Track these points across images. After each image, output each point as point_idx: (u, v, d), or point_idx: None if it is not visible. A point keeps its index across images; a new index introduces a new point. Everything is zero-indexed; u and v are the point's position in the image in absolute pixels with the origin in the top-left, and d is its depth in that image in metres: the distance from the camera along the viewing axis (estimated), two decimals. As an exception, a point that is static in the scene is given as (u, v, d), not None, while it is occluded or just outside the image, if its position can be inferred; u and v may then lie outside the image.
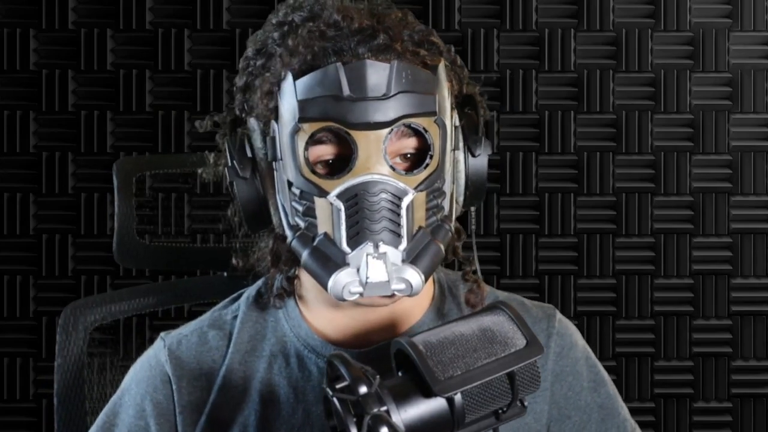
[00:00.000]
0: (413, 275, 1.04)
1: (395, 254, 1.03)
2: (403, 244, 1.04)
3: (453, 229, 1.11)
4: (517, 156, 2.54)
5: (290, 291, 1.20)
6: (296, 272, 1.19)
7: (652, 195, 2.56)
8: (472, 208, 1.17)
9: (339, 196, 1.03)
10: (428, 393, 0.94)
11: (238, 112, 1.15)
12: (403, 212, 1.04)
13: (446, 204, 1.10)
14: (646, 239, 2.56)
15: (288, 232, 1.09)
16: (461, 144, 1.12)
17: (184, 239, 1.61)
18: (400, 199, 1.04)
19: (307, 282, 1.18)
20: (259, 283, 1.24)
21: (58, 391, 1.49)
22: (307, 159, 1.05)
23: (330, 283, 1.04)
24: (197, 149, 2.48)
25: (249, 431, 1.16)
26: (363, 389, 0.91)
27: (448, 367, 0.95)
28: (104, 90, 2.51)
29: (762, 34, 2.57)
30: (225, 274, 1.56)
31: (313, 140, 1.05)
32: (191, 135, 2.49)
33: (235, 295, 1.26)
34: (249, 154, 1.11)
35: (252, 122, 1.12)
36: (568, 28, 2.55)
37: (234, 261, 1.23)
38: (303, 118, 1.04)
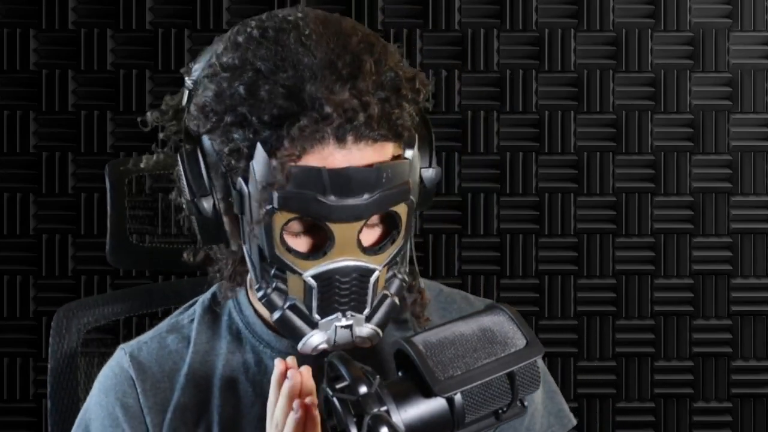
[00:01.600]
0: (372, 332, 1.11)
1: (359, 319, 1.10)
2: (367, 310, 1.11)
3: (406, 276, 1.16)
4: (517, 156, 2.54)
5: (240, 282, 1.22)
6: (247, 270, 1.21)
7: (652, 195, 2.56)
8: (415, 217, 1.19)
9: (314, 277, 1.08)
10: (428, 393, 0.94)
11: (193, 127, 1.12)
12: (370, 287, 1.10)
13: (405, 257, 1.15)
14: (646, 239, 2.56)
15: (256, 285, 1.13)
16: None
17: (177, 240, 1.60)
18: (368, 277, 1.09)
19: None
20: (214, 288, 1.27)
21: (51, 393, 1.48)
22: (282, 238, 1.08)
23: (300, 345, 1.11)
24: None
25: (213, 428, 1.19)
26: (363, 389, 0.92)
27: (448, 367, 0.95)
28: (104, 90, 2.51)
29: (762, 34, 2.57)
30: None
31: (289, 225, 1.08)
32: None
33: (190, 302, 1.29)
34: (207, 188, 1.11)
35: (209, 147, 1.11)
36: (568, 28, 2.55)
37: (185, 256, 1.24)
38: (282, 208, 1.06)
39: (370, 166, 1.06)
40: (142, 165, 1.32)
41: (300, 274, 1.08)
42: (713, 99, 2.56)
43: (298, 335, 1.10)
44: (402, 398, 0.94)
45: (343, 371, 0.93)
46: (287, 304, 1.11)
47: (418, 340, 0.97)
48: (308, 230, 1.09)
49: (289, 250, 1.08)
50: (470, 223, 2.52)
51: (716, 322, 2.56)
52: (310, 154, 1.05)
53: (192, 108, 1.13)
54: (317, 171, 1.04)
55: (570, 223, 2.55)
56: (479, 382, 0.95)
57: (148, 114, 1.23)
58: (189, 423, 1.20)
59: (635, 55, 2.56)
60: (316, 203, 1.05)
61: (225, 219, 1.13)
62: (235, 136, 1.07)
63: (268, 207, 1.06)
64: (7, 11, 2.49)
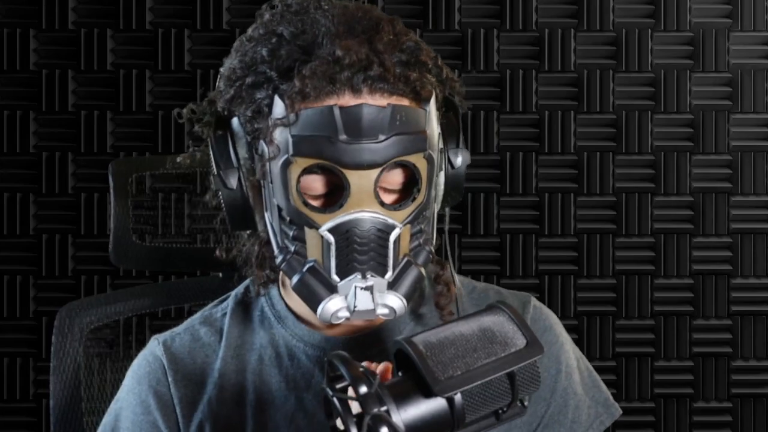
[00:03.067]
0: (396, 301, 1.09)
1: (381, 283, 1.08)
2: (389, 274, 1.09)
3: (433, 249, 1.15)
4: (517, 156, 2.54)
5: (274, 278, 1.23)
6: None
7: (652, 195, 2.56)
8: (447, 209, 1.20)
9: (330, 231, 1.07)
10: (428, 393, 0.94)
11: (221, 109, 1.15)
12: (390, 245, 1.08)
13: (429, 226, 1.14)
14: (646, 239, 2.56)
15: (276, 252, 1.13)
16: (441, 146, 1.15)
17: (181, 240, 1.61)
18: (388, 233, 1.08)
19: (286, 280, 1.21)
20: (246, 282, 1.27)
21: (54, 393, 1.49)
22: (299, 191, 1.08)
23: (319, 310, 1.09)
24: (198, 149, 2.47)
25: (246, 422, 1.19)
26: (363, 389, 0.92)
27: (448, 367, 0.95)
28: (104, 90, 2.51)
29: (762, 34, 2.57)
30: (220, 275, 1.56)
31: (304, 172, 1.08)
32: (192, 135, 2.49)
33: (224, 296, 1.30)
34: (233, 162, 1.13)
35: (236, 126, 1.13)
36: (568, 28, 2.55)
37: (218, 253, 1.26)
38: (297, 154, 1.06)
39: (384, 107, 1.06)
40: (178, 160, 1.32)
41: (317, 229, 1.07)
42: (713, 99, 2.56)
43: (317, 300, 1.09)
44: (402, 398, 0.94)
45: (343, 371, 0.94)
46: (306, 267, 1.09)
47: (418, 340, 0.97)
48: (326, 186, 1.09)
49: (306, 204, 1.08)
50: (470, 223, 2.52)
51: (716, 322, 2.56)
52: (325, 99, 1.06)
53: (220, 83, 1.15)
54: (329, 110, 1.05)
55: (570, 223, 2.55)
56: (479, 382, 0.95)
57: (184, 111, 1.22)
58: (221, 417, 1.20)
59: (635, 55, 2.56)
60: (328, 144, 1.05)
61: (250, 195, 1.13)
62: (257, 95, 1.09)
63: (284, 157, 1.06)
64: (7, 11, 2.49)
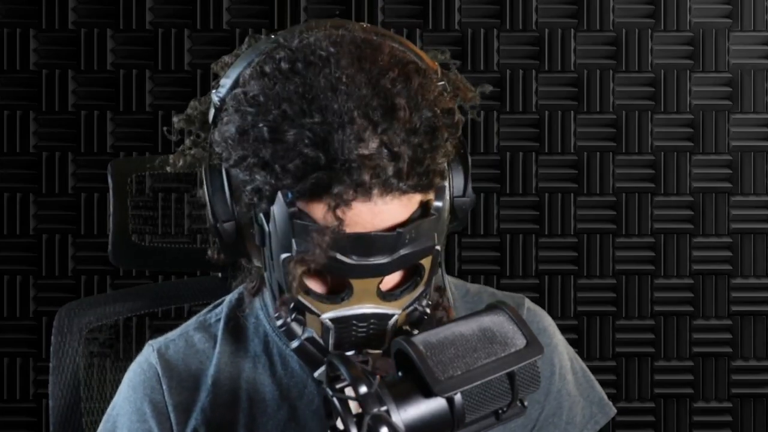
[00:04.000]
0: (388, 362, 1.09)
1: (376, 353, 1.09)
2: (385, 346, 1.09)
3: (427, 309, 1.12)
4: (517, 156, 2.54)
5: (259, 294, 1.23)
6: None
7: (652, 195, 2.56)
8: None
9: (331, 320, 1.07)
10: (428, 393, 0.94)
11: (215, 149, 1.08)
12: (389, 329, 1.08)
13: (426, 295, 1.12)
14: (646, 239, 2.56)
15: (275, 314, 1.10)
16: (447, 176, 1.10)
17: (180, 240, 1.61)
18: (387, 321, 1.08)
19: None
20: (240, 288, 1.26)
21: (54, 393, 1.49)
22: (301, 283, 1.05)
23: (317, 374, 1.11)
24: (197, 149, 2.47)
25: (239, 429, 1.19)
26: (363, 389, 0.92)
27: (448, 367, 0.94)
28: (104, 90, 2.51)
29: (762, 34, 2.57)
30: (220, 275, 1.55)
31: (308, 271, 1.04)
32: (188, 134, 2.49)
33: (217, 301, 1.29)
34: (229, 206, 1.08)
35: (234, 173, 1.06)
36: (568, 28, 2.55)
37: (210, 254, 1.21)
38: (300, 258, 1.02)
39: (392, 230, 1.02)
40: (169, 165, 1.26)
41: (318, 315, 1.07)
42: (713, 99, 2.56)
43: (316, 364, 1.10)
44: (402, 398, 0.94)
45: (343, 371, 0.93)
46: (305, 335, 1.09)
47: (418, 340, 0.97)
48: (328, 283, 1.08)
49: (308, 292, 1.07)
50: (470, 223, 2.52)
51: (716, 322, 2.56)
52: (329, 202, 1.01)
53: (217, 135, 1.07)
54: (336, 230, 1.00)
55: (570, 223, 2.55)
56: (479, 382, 0.95)
57: (175, 120, 1.21)
58: (214, 423, 1.20)
59: (635, 55, 2.56)
60: (335, 262, 1.02)
61: (248, 243, 1.11)
62: (257, 177, 1.03)
63: (286, 255, 1.03)
64: (7, 11, 2.49)
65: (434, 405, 0.95)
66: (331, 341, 1.08)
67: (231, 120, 1.05)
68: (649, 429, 2.53)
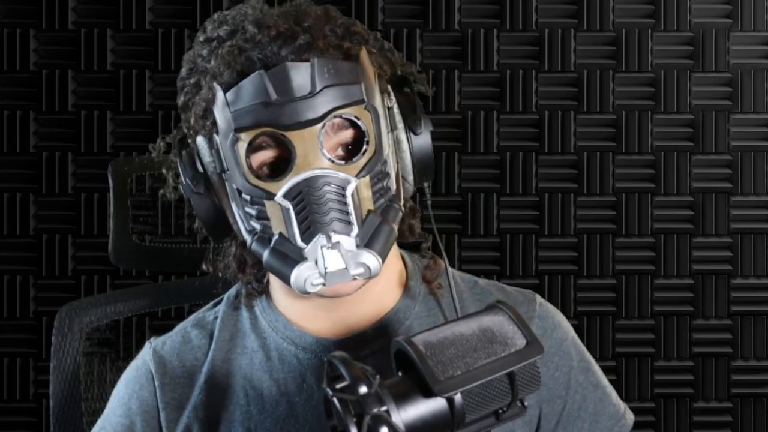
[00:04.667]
0: (370, 258, 1.08)
1: (349, 241, 1.07)
2: (355, 230, 1.08)
3: (402, 207, 1.14)
4: (517, 156, 2.54)
5: (261, 290, 1.24)
6: (264, 272, 1.23)
7: (652, 195, 2.56)
8: (426, 184, 1.20)
9: (285, 196, 1.07)
10: (428, 393, 0.94)
11: (185, 130, 1.17)
12: (349, 200, 1.07)
13: (392, 184, 1.13)
14: (646, 239, 2.56)
15: (246, 237, 1.13)
16: (400, 125, 1.15)
17: (180, 240, 1.61)
18: (343, 188, 1.07)
19: (274, 280, 1.22)
20: (237, 285, 1.27)
21: (54, 392, 1.49)
22: (250, 165, 1.09)
23: (292, 279, 1.07)
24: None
25: (234, 427, 1.19)
26: (363, 389, 0.91)
27: (448, 367, 0.95)
28: (104, 90, 2.51)
29: (762, 34, 2.57)
30: (220, 275, 1.55)
31: (252, 147, 1.09)
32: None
33: (218, 299, 1.30)
34: (200, 170, 1.14)
35: (199, 139, 1.14)
36: (568, 28, 2.55)
37: (204, 266, 1.26)
38: (238, 128, 1.08)
39: (308, 61, 1.08)
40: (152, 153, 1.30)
41: (273, 198, 1.07)
42: (713, 99, 2.56)
43: (287, 270, 1.08)
44: (402, 398, 0.94)
45: (343, 371, 0.93)
46: (272, 241, 1.09)
47: (418, 340, 0.97)
48: (275, 157, 1.09)
49: (259, 176, 1.09)
50: (470, 223, 2.52)
51: (716, 322, 2.56)
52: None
53: (177, 101, 1.18)
54: (257, 76, 1.07)
55: (570, 223, 2.55)
56: (479, 382, 0.95)
57: (159, 143, 1.25)
58: (207, 422, 1.20)
59: (635, 55, 2.56)
60: (264, 110, 1.06)
61: (218, 197, 1.14)
62: (201, 91, 1.11)
63: (230, 136, 1.08)
64: (7, 11, 2.49)
65: (434, 405, 0.95)
66: (295, 229, 1.06)
67: (183, 66, 1.17)
68: (649, 429, 2.53)
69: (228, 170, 1.11)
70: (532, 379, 0.99)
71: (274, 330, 1.22)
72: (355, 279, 1.08)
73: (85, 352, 1.51)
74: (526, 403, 1.00)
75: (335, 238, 1.06)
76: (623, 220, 2.56)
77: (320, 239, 1.06)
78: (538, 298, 1.28)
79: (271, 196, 1.07)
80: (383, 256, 1.09)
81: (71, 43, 2.50)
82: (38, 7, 2.49)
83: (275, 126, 1.06)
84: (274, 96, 1.06)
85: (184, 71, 1.17)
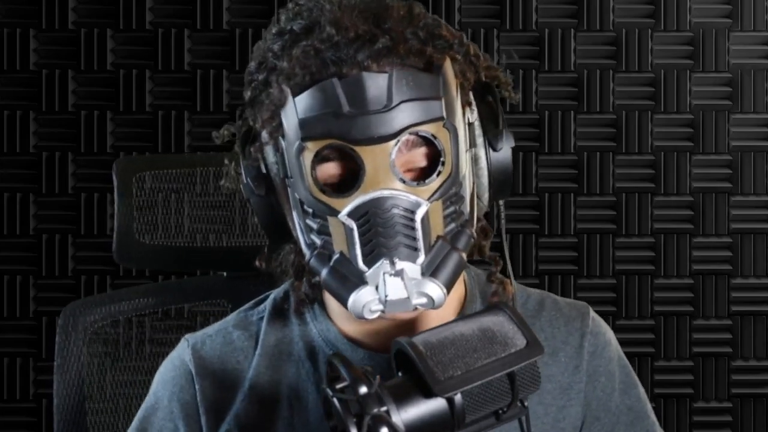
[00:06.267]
0: (434, 289, 1.01)
1: (413, 269, 1.00)
2: (421, 258, 1.00)
3: (475, 233, 1.07)
4: (517, 156, 2.53)
5: (313, 298, 1.17)
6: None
7: (652, 195, 2.56)
8: (500, 202, 1.13)
9: (350, 215, 1.00)
10: (428, 393, 0.94)
11: (251, 123, 1.09)
12: (418, 225, 1.00)
13: (466, 208, 1.06)
14: (646, 239, 2.56)
15: (305, 250, 1.06)
16: (480, 140, 1.08)
17: (184, 239, 1.61)
18: (413, 212, 1.00)
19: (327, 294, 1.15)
20: (286, 286, 1.21)
21: (58, 391, 1.49)
22: (315, 178, 1.02)
23: (349, 303, 1.01)
24: (197, 149, 2.48)
25: None
26: (363, 389, 0.91)
27: (448, 367, 0.94)
28: (104, 90, 2.51)
29: (762, 34, 2.57)
30: (224, 274, 1.55)
31: (318, 158, 1.02)
32: (191, 135, 2.49)
33: (261, 297, 1.23)
34: (263, 170, 1.08)
35: (264, 135, 1.06)
36: (568, 28, 2.55)
37: (258, 263, 1.19)
38: (305, 137, 1.01)
39: (386, 71, 1.00)
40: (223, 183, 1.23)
41: (337, 215, 1.00)
42: (713, 99, 2.56)
43: (345, 293, 1.00)
44: (402, 398, 0.94)
45: (343, 371, 0.93)
46: (333, 260, 1.02)
47: (419, 340, 0.97)
48: (342, 172, 1.03)
49: (323, 190, 1.02)
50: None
51: (716, 322, 2.56)
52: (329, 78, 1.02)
53: (244, 93, 1.10)
54: (330, 84, 1.00)
55: (570, 223, 2.55)
56: (479, 382, 0.94)
57: (223, 131, 1.17)
58: (250, 429, 1.14)
59: (635, 55, 2.56)
60: (334, 120, 0.99)
61: (278, 202, 1.08)
62: (270, 90, 1.04)
63: (296, 144, 1.01)
64: (7, 11, 2.49)
65: (434, 405, 0.94)
66: (357, 250, 0.99)
67: (252, 60, 1.09)
68: (649, 429, 2.53)
69: (291, 177, 1.03)
70: (532, 379, 0.99)
71: (325, 340, 1.15)
72: (416, 309, 1.02)
73: (89, 351, 1.51)
74: (526, 404, 0.99)
75: (399, 265, 0.98)
76: (623, 220, 2.56)
77: (383, 265, 0.99)
78: (591, 313, 1.23)
79: (334, 212, 1.00)
80: (449, 287, 1.02)
81: (71, 43, 2.50)
82: (38, 7, 2.49)
83: (345, 139, 0.99)
84: (346, 107, 0.99)
85: (253, 65, 1.08)
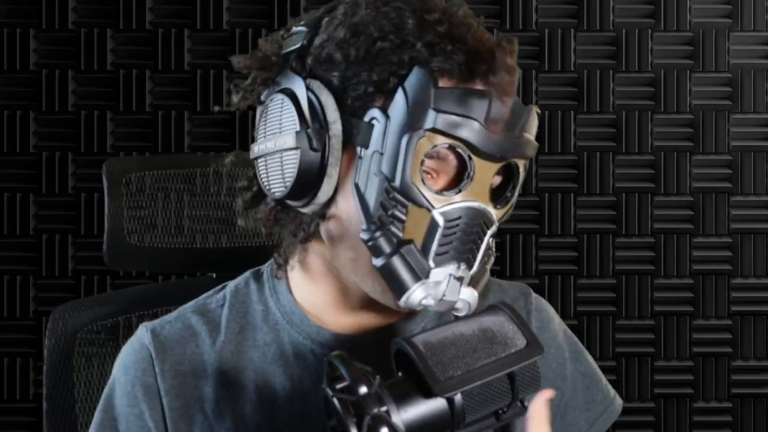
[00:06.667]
0: (473, 297, 1.08)
1: (468, 277, 1.07)
2: (474, 269, 1.08)
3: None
4: (517, 156, 2.54)
5: (284, 266, 1.18)
6: (292, 251, 1.17)
7: (652, 195, 2.56)
8: None
9: (444, 214, 1.04)
10: (428, 393, 0.94)
11: (342, 70, 1.07)
12: (485, 243, 1.08)
13: None
14: (646, 239, 2.56)
15: (366, 225, 1.06)
16: None
17: (174, 240, 1.60)
18: (488, 229, 1.07)
19: (309, 266, 1.17)
20: (246, 275, 1.23)
21: (48, 396, 1.46)
22: (421, 168, 1.04)
23: (408, 293, 1.04)
24: (197, 149, 2.48)
25: (244, 422, 1.15)
26: (363, 389, 0.91)
27: (448, 367, 0.94)
28: (104, 90, 2.51)
29: (762, 34, 2.57)
30: (214, 275, 1.54)
31: (433, 152, 1.05)
32: (191, 135, 2.49)
33: (219, 286, 1.25)
34: (322, 122, 1.06)
35: (335, 82, 1.07)
36: (568, 28, 2.55)
37: (240, 222, 1.19)
38: (437, 130, 1.03)
39: (525, 105, 1.08)
40: (227, 161, 1.25)
41: (429, 210, 1.04)
42: (713, 99, 2.56)
43: (403, 286, 1.04)
44: (402, 398, 0.94)
45: (343, 371, 0.93)
46: (402, 246, 1.04)
47: (419, 340, 0.97)
48: (443, 169, 1.06)
49: (424, 182, 1.04)
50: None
51: (716, 322, 2.56)
52: (471, 86, 1.06)
53: (320, 47, 1.08)
54: (482, 94, 1.04)
55: (570, 223, 2.55)
56: (479, 382, 0.95)
57: (235, 59, 1.17)
58: (215, 415, 1.16)
59: (635, 55, 2.56)
60: (471, 129, 1.03)
61: (331, 160, 1.07)
62: (393, 59, 1.04)
63: (418, 129, 1.03)
64: (7, 11, 2.49)
65: (434, 405, 0.94)
66: (434, 246, 1.04)
67: (339, 28, 1.07)
68: (649, 429, 2.53)
69: (383, 154, 1.04)
70: (532, 379, 0.99)
71: (290, 323, 1.17)
72: (455, 310, 1.08)
73: (79, 354, 1.48)
74: (526, 404, 1.00)
75: (463, 271, 1.05)
76: (623, 220, 2.56)
77: (451, 267, 1.05)
78: (532, 292, 1.29)
79: (429, 206, 1.04)
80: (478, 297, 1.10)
81: (71, 43, 2.50)
82: (38, 7, 2.49)
83: (472, 147, 1.03)
84: (486, 121, 1.03)
85: (345, 32, 1.07)
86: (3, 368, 2.48)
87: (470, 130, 1.03)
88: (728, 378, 2.55)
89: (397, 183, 1.04)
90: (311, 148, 1.06)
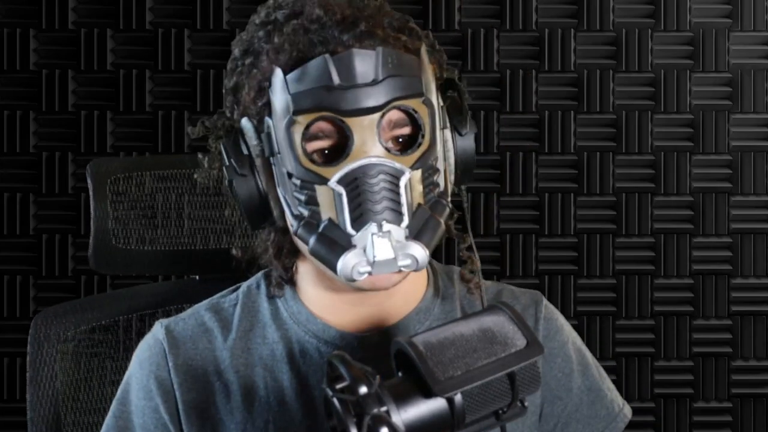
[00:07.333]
0: (418, 250, 1.06)
1: (399, 232, 1.06)
2: (405, 221, 1.07)
3: (449, 204, 1.14)
4: (517, 156, 2.54)
5: (287, 279, 1.23)
6: (294, 262, 1.23)
7: (652, 195, 2.56)
8: (463, 187, 1.20)
9: (339, 182, 1.06)
10: (428, 393, 0.94)
11: (229, 114, 1.17)
12: (402, 191, 1.07)
13: (441, 180, 1.13)
14: (646, 239, 2.56)
15: (292, 222, 1.11)
16: (448, 124, 1.15)
17: (161, 243, 1.58)
18: (397, 178, 1.07)
19: (304, 272, 1.22)
20: (258, 275, 1.27)
21: (32, 404, 1.44)
22: (305, 149, 1.08)
23: (339, 266, 1.06)
24: (197, 150, 2.47)
25: (254, 417, 1.19)
26: (363, 389, 0.91)
27: (448, 367, 0.94)
28: (104, 90, 2.51)
29: (762, 34, 2.57)
30: (197, 277, 1.53)
31: (308, 135, 1.08)
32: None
33: (233, 287, 1.29)
34: (245, 152, 1.13)
35: (244, 122, 1.14)
36: (568, 28, 2.55)
37: (234, 251, 1.26)
38: (297, 111, 1.07)
39: (374, 50, 1.08)
40: (196, 177, 1.30)
41: (326, 183, 1.07)
42: (713, 99, 2.56)
43: (334, 257, 1.06)
44: (402, 398, 0.94)
45: (343, 371, 0.93)
46: (321, 226, 1.07)
47: (419, 340, 0.97)
48: (330, 143, 1.09)
49: (313, 161, 1.08)
50: (471, 223, 2.51)
51: (716, 322, 2.56)
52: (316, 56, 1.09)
53: (226, 83, 1.17)
54: (322, 60, 1.07)
55: (570, 223, 2.55)
56: (479, 382, 0.95)
57: (197, 126, 1.24)
58: (225, 410, 1.19)
59: (635, 55, 2.56)
60: (326, 94, 1.06)
61: (262, 179, 1.13)
62: (255, 72, 1.11)
63: (287, 118, 1.07)
64: (7, 11, 2.49)
65: (434, 405, 0.95)
66: (346, 215, 1.06)
67: (235, 48, 1.18)
68: (649, 429, 2.53)
69: (279, 153, 1.10)
70: (532, 379, 0.99)
71: (296, 322, 1.21)
72: (400, 270, 1.07)
73: (63, 361, 1.45)
74: (526, 404, 1.00)
75: (386, 227, 1.05)
76: (623, 220, 2.56)
77: (371, 227, 1.05)
78: (544, 300, 1.30)
79: (324, 180, 1.07)
80: (431, 249, 1.08)
81: (71, 43, 2.50)
82: (38, 7, 2.49)
83: (336, 111, 1.06)
84: (337, 81, 1.06)
85: (237, 52, 1.16)
86: (3, 368, 2.48)
87: (324, 96, 1.06)
88: (728, 378, 2.55)
89: (294, 173, 1.09)
90: (238, 173, 1.13)
